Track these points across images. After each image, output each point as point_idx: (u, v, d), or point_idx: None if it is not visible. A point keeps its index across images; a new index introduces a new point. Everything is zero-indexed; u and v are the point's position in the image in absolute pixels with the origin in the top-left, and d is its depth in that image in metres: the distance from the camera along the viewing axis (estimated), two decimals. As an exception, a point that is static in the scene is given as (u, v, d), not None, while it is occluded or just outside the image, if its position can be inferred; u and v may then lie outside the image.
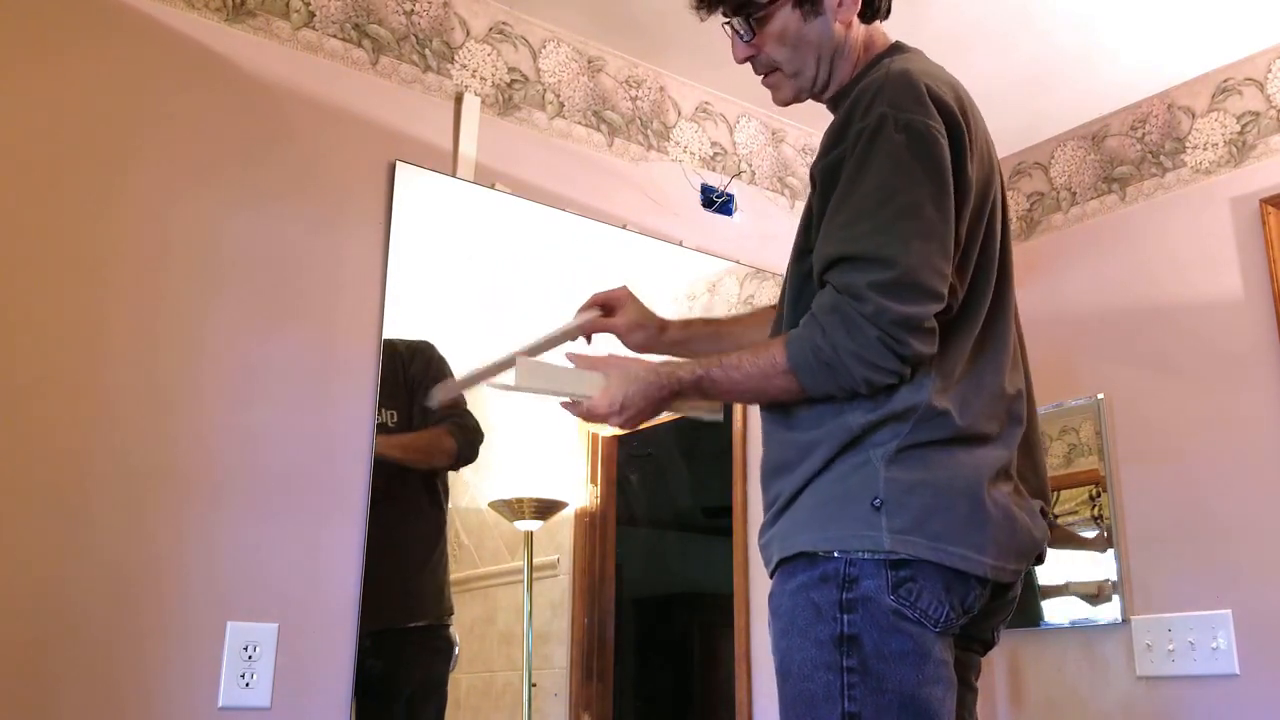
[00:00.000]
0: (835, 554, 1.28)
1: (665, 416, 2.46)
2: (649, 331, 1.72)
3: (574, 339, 1.70)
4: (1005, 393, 1.36)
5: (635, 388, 1.39)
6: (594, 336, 1.71)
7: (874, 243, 1.25)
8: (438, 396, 2.01)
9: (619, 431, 2.37)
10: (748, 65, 1.53)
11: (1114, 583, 2.39)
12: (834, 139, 1.34)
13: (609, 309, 1.71)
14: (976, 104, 1.42)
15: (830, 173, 1.33)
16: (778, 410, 1.41)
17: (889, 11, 1.50)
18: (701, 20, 1.51)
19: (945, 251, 1.27)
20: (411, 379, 2.04)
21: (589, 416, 1.42)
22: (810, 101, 1.54)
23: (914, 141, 1.28)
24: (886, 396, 1.30)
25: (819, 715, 1.25)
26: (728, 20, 1.48)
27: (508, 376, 1.43)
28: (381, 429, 1.91)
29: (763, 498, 1.42)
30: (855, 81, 1.43)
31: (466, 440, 2.16)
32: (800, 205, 2.53)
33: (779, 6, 1.44)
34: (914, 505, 1.26)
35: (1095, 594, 2.44)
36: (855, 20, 1.45)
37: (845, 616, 1.25)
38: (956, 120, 1.32)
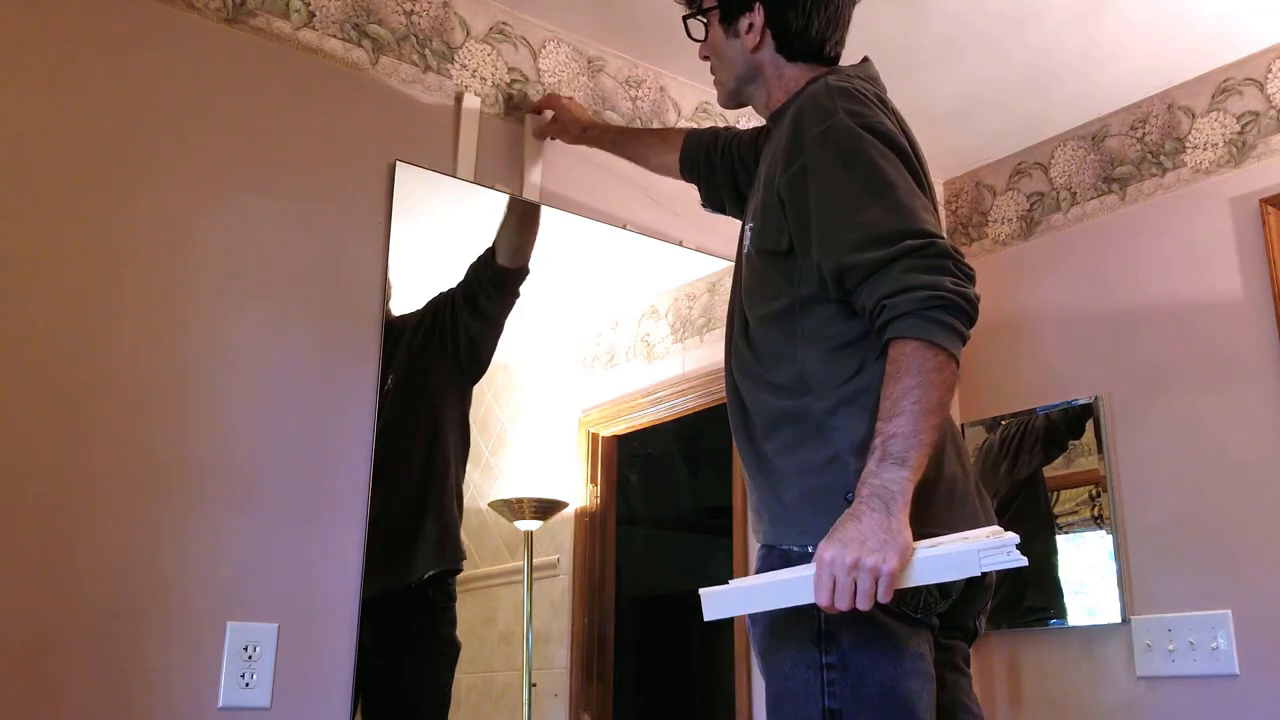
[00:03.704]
0: (810, 549, 1.28)
1: (666, 416, 2.47)
2: (572, 133, 2.14)
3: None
4: None
5: (851, 528, 1.19)
6: None
7: (897, 219, 1.30)
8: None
9: (621, 431, 2.38)
10: None
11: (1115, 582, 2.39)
12: (791, 152, 1.40)
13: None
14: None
15: (797, 181, 1.38)
16: (739, 418, 1.46)
17: (818, 54, 1.56)
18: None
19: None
20: (403, 320, 2.01)
21: (831, 598, 1.19)
22: None
23: (878, 138, 1.36)
24: (848, 379, 1.33)
25: (802, 713, 1.27)
26: (687, 16, 1.67)
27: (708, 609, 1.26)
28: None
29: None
30: (790, 103, 1.51)
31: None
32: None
33: (713, 19, 1.62)
34: None
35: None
36: (771, 53, 1.56)
37: (822, 613, 1.25)
38: (890, 115, 1.43)
